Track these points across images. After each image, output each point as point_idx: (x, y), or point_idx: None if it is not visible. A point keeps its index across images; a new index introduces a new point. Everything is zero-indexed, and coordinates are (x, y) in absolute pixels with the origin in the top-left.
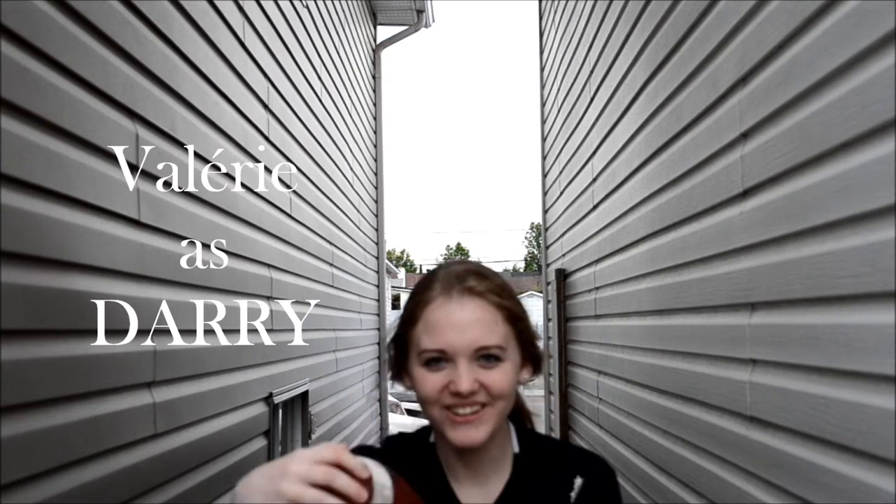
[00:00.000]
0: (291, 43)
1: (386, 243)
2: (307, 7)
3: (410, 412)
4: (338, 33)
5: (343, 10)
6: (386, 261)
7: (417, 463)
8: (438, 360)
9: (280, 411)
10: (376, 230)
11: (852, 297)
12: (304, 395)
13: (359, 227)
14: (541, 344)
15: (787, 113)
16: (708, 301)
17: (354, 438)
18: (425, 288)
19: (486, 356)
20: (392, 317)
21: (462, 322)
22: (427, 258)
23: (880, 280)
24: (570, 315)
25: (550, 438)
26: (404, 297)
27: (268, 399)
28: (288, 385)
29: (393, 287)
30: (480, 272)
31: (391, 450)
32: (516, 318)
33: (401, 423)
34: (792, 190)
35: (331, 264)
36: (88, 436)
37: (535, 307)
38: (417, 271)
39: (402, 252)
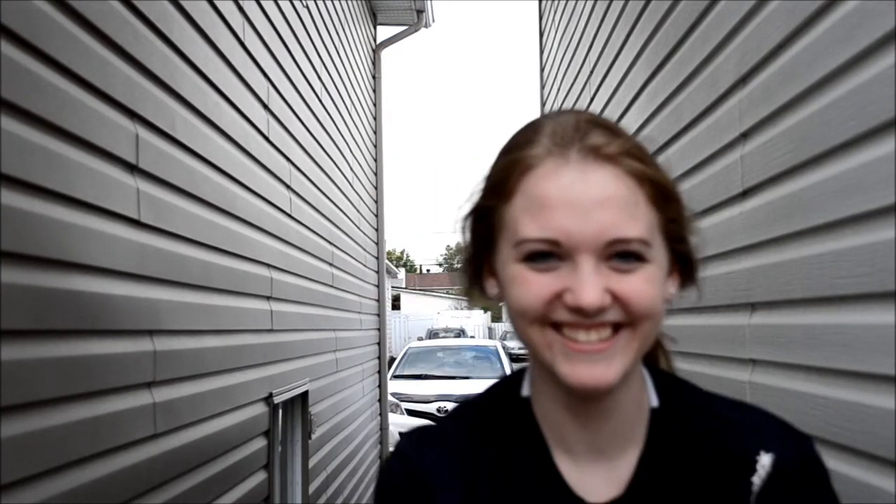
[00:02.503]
0: (291, 43)
1: (386, 243)
2: (307, 7)
3: (411, 412)
4: (338, 33)
5: (343, 10)
6: (386, 261)
7: (504, 433)
8: (547, 255)
9: (280, 411)
10: (376, 230)
11: (852, 297)
12: (304, 395)
13: (359, 227)
14: (695, 240)
15: (787, 113)
16: (708, 301)
17: (354, 439)
18: (526, 143)
19: (624, 255)
20: (393, 318)
21: (587, 200)
22: (427, 258)
23: (880, 280)
24: None
25: (703, 390)
26: (405, 298)
27: (268, 399)
28: (288, 385)
29: (393, 287)
30: (608, 125)
31: (462, 423)
32: (666, 198)
33: (401, 422)
34: (792, 190)
35: (331, 264)
36: (88, 436)
37: None
38: (417, 271)
39: (402, 252)
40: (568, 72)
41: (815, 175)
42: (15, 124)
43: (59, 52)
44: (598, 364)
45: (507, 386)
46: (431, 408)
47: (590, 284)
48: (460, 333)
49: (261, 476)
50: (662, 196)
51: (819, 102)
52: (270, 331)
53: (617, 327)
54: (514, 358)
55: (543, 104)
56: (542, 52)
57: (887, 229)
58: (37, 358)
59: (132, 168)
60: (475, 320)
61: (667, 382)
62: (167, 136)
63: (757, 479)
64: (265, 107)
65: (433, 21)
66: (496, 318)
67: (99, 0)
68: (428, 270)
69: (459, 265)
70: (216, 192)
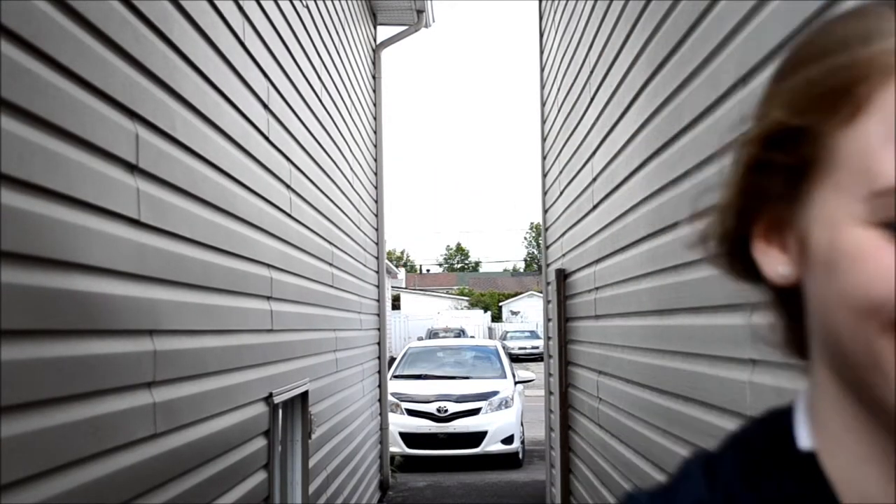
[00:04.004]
0: (291, 43)
1: (386, 243)
2: (307, 7)
3: (411, 412)
4: (338, 33)
5: (343, 10)
6: (386, 261)
7: None
8: None
9: (280, 411)
10: (376, 230)
11: None
12: (304, 395)
13: (359, 227)
14: None
15: None
16: (708, 301)
17: (354, 439)
18: (875, 34)
19: None
20: (393, 318)
21: None
22: (427, 258)
23: None
24: (570, 315)
25: None
26: (405, 298)
27: (268, 399)
28: (288, 385)
29: (393, 287)
30: None
31: (714, 491)
32: None
33: (401, 423)
34: None
35: (331, 264)
36: (88, 436)
37: (535, 307)
38: (417, 271)
39: (402, 252)
40: (568, 72)
41: None
42: (15, 124)
43: (59, 52)
44: None
45: (772, 431)
46: (431, 408)
47: None
48: (460, 333)
49: (261, 476)
50: None
51: None
52: (270, 331)
53: None
54: (514, 358)
55: (543, 104)
56: (542, 52)
57: None
58: (37, 358)
59: (132, 168)
60: (475, 320)
61: None
62: (167, 136)
63: None
64: (265, 107)
65: (433, 21)
66: (496, 318)
67: (99, 0)
68: (428, 270)
69: (710, 219)
70: (216, 192)
